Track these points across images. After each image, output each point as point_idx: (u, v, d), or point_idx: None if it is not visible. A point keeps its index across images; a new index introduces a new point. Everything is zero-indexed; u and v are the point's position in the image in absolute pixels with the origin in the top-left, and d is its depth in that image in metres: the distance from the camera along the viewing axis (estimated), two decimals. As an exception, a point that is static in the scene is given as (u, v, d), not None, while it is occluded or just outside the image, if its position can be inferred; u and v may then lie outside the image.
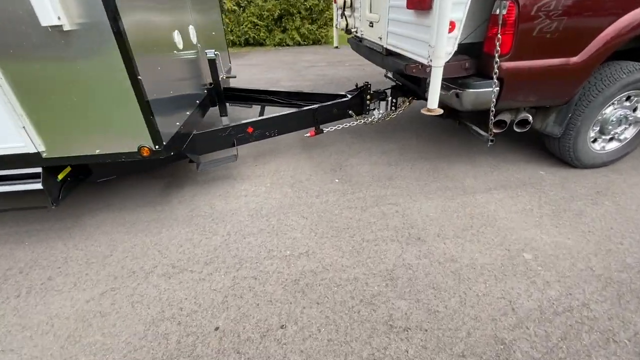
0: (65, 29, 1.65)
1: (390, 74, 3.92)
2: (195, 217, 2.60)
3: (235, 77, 3.72)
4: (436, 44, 1.85)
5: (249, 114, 4.55)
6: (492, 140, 2.58)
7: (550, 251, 2.13)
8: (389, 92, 3.62)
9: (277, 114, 3.08)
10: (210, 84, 3.32)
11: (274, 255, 2.18)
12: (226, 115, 3.51)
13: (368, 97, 3.46)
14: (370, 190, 2.84)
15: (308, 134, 3.30)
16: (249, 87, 4.05)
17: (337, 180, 3.02)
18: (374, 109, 3.62)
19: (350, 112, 3.47)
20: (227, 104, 4.08)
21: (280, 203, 2.72)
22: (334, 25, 4.28)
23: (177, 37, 2.56)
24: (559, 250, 2.13)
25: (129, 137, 2.03)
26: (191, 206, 2.74)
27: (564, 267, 2.01)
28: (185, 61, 2.75)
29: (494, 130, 2.59)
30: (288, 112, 3.12)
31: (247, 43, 12.17)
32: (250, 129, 2.96)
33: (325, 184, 2.97)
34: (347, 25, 3.73)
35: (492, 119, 2.48)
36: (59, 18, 1.60)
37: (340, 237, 2.32)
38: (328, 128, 3.41)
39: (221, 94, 3.40)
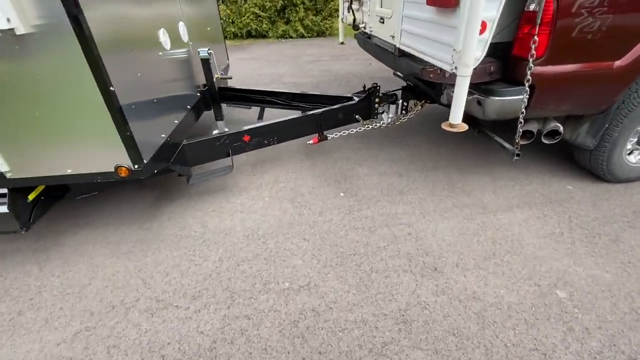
0: (18, 32, 1.38)
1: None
2: (185, 237, 2.35)
3: (231, 77, 3.41)
4: (464, 48, 1.55)
5: (248, 116, 4.27)
6: (518, 155, 2.28)
7: (586, 287, 1.86)
8: (399, 94, 3.31)
9: (277, 120, 2.80)
10: (205, 85, 3.03)
11: (270, 289, 1.93)
12: (222, 119, 3.23)
13: (377, 100, 3.16)
14: (379, 206, 2.57)
15: (311, 141, 3.02)
16: (247, 87, 3.76)
17: (342, 194, 2.74)
18: (382, 112, 3.32)
19: (357, 116, 3.18)
20: (225, 105, 3.81)
21: (279, 221, 2.46)
22: (340, 18, 3.94)
23: (164, 37, 2.27)
24: (597, 287, 1.86)
25: (104, 155, 1.77)
26: (181, 223, 2.48)
27: (604, 309, 1.74)
28: (173, 62, 2.46)
29: (521, 143, 2.29)
30: (289, 118, 2.83)
31: (249, 35, 11.79)
32: (246, 138, 2.68)
33: (329, 198, 2.70)
34: (354, 20, 3.40)
35: (519, 131, 2.18)
36: (8, 20, 1.32)
37: (345, 266, 2.06)
38: (333, 134, 3.12)
39: (216, 96, 3.12)
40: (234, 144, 2.65)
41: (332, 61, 7.53)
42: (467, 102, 2.30)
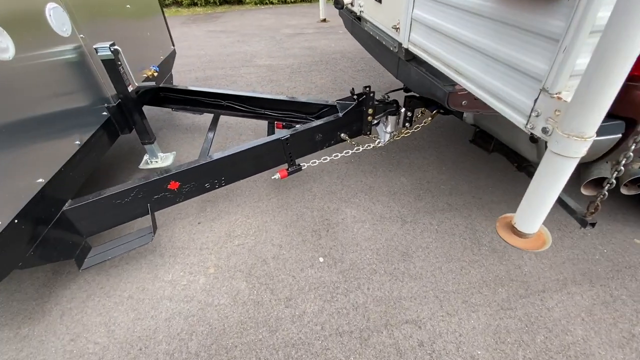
0: None
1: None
2: (77, 358, 1.52)
3: (156, 85, 2.41)
4: (581, 91, 0.65)
5: (199, 123, 3.31)
6: (592, 224, 1.44)
7: None
8: (401, 100, 2.38)
9: (225, 154, 1.88)
10: (120, 96, 2.06)
11: None
12: (151, 142, 2.29)
13: (370, 110, 2.24)
14: (375, 285, 1.76)
15: (277, 175, 2.13)
16: (196, 88, 2.76)
17: (321, 260, 1.91)
18: (377, 124, 2.41)
19: (342, 135, 2.27)
20: (170, 109, 2.85)
21: (224, 321, 1.63)
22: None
23: (2, 37, 1.30)
24: None
25: None
26: (77, 327, 1.64)
27: None
28: (38, 73, 1.49)
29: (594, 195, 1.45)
30: (241, 149, 1.91)
31: (224, 1, 10.31)
32: (174, 185, 1.78)
33: (304, 268, 1.87)
34: (336, -8, 2.38)
35: (603, 195, 1.33)
36: None
37: None
38: (310, 162, 2.22)
39: (138, 112, 2.16)
40: (155, 195, 1.75)
41: (317, 35, 6.36)
42: (513, 133, 1.45)
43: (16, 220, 1.28)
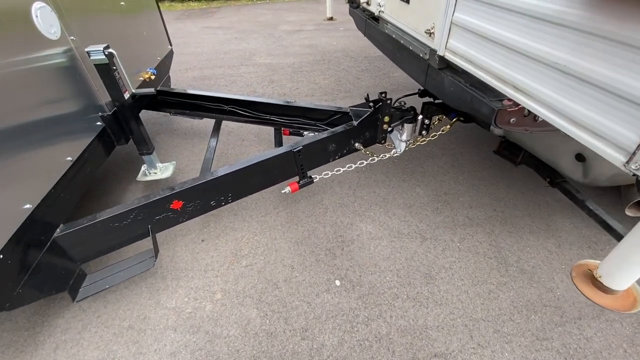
0: None
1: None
2: (70, 402, 1.37)
3: (154, 92, 2.22)
4: None
5: (199, 127, 3.13)
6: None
7: None
8: (418, 106, 2.24)
9: (228, 171, 1.71)
10: (116, 104, 1.88)
11: None
12: (150, 153, 2.11)
13: (386, 118, 2.09)
14: (397, 312, 1.62)
15: (287, 189, 1.97)
16: (197, 92, 2.57)
17: (337, 284, 1.77)
18: (391, 131, 2.26)
19: (356, 144, 2.12)
20: (171, 112, 2.66)
21: (236, 358, 1.48)
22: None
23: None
24: None
25: None
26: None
27: None
28: (14, 84, 1.31)
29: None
30: (249, 163, 1.74)
31: (218, -5, 10.05)
32: (177, 204, 1.61)
33: (319, 293, 1.73)
34: (350, -11, 2.21)
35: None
36: None
37: None
38: (322, 174, 2.07)
39: (134, 120, 1.98)
40: (156, 217, 1.59)
41: (317, 32, 6.17)
42: (553, 147, 1.31)
43: (1, 255, 1.11)
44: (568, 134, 0.79)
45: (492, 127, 1.79)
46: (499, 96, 1.10)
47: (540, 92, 0.84)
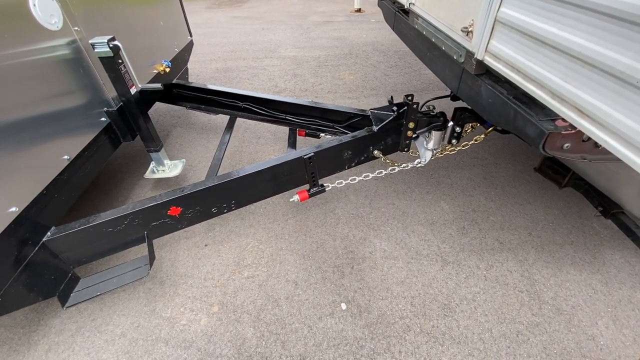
0: None
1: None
2: (53, 412, 1.31)
3: (161, 88, 2.11)
4: None
5: (216, 122, 3.04)
6: None
7: None
8: (449, 113, 1.99)
9: (232, 177, 1.57)
10: (122, 99, 1.79)
11: None
12: (158, 150, 2.03)
13: (411, 124, 1.87)
14: (407, 347, 1.44)
15: (296, 197, 1.81)
16: (213, 87, 2.47)
17: (343, 307, 1.61)
18: (415, 137, 2.04)
19: (375, 151, 1.92)
20: (187, 106, 2.58)
21: (227, 379, 1.37)
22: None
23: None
24: None
25: None
26: (61, 368, 1.44)
27: None
28: (7, 80, 1.23)
29: None
30: (254, 169, 1.60)
31: (250, -16, 9.90)
32: (174, 210, 1.50)
33: (322, 317, 1.57)
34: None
35: None
36: None
37: None
38: (335, 182, 1.89)
39: (142, 116, 1.89)
40: (152, 222, 1.49)
41: (347, 24, 5.91)
42: (612, 174, 1.06)
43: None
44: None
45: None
46: (551, 115, 0.87)
47: (616, 120, 0.62)
